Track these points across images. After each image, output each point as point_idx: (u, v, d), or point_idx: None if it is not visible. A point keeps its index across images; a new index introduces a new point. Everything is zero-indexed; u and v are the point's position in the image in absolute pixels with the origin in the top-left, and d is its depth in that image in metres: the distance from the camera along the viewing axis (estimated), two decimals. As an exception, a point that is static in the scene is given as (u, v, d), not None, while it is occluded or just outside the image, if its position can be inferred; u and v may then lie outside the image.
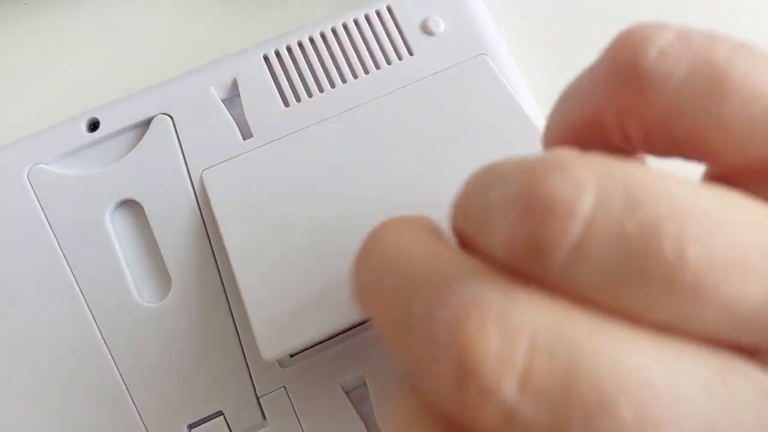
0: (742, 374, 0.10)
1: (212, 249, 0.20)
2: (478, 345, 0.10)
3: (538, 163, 0.11)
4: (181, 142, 0.20)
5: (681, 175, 0.11)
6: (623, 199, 0.10)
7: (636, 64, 0.12)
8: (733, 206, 0.10)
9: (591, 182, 0.10)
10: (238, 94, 0.21)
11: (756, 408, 0.10)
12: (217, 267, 0.19)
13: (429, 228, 0.13)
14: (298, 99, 0.21)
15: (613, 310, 0.10)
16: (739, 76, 0.11)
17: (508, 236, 0.10)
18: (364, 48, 0.21)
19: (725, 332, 0.10)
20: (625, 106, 0.12)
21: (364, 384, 0.19)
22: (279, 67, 0.21)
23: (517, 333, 0.10)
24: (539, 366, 0.10)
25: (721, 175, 0.12)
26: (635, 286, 0.10)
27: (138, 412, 0.19)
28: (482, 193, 0.12)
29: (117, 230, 0.20)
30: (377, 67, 0.21)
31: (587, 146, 0.13)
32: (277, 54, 0.21)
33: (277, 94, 0.21)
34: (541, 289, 0.10)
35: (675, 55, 0.12)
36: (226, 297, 0.19)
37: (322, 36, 0.21)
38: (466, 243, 0.13)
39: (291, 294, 0.19)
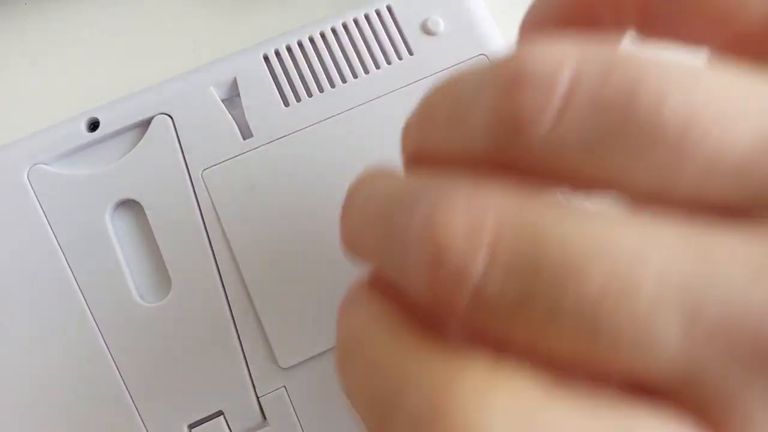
0: (716, 233, 0.10)
1: (212, 248, 0.20)
2: (446, 228, 0.10)
3: (516, 51, 0.10)
4: (181, 142, 0.20)
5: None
6: (601, 65, 0.10)
7: None
8: (709, 64, 0.10)
9: (570, 54, 0.10)
10: (238, 94, 0.21)
11: (741, 263, 0.09)
12: (217, 266, 0.19)
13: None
14: (298, 99, 0.21)
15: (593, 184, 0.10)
16: None
17: (487, 119, 0.10)
18: (364, 48, 0.21)
19: (711, 191, 0.10)
20: None
21: (364, 384, 0.19)
22: (279, 67, 0.21)
23: (483, 213, 0.10)
24: (506, 240, 0.10)
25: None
26: (617, 147, 0.10)
27: (138, 412, 0.19)
28: (451, 98, 0.11)
29: (117, 230, 0.20)
30: (377, 66, 0.21)
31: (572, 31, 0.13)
32: (277, 54, 0.21)
33: (277, 93, 0.21)
34: (508, 176, 0.10)
35: None
36: (226, 297, 0.19)
37: (322, 36, 0.21)
38: (424, 162, 0.13)
39: (303, 298, 0.19)
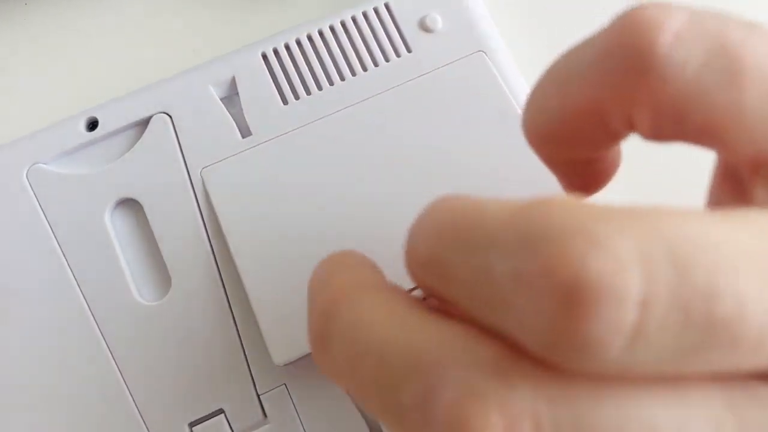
0: (755, 400, 0.10)
1: (211, 246, 0.20)
2: None
3: (555, 232, 0.09)
4: (180, 141, 0.20)
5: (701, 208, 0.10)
6: (671, 267, 0.09)
7: (648, 51, 0.11)
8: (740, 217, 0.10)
9: (633, 256, 0.09)
10: (237, 93, 0.21)
11: None
12: (217, 264, 0.19)
13: (387, 287, 0.12)
14: (296, 97, 0.21)
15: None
16: (756, 61, 0.11)
17: (543, 331, 0.09)
18: (363, 46, 0.21)
19: (759, 366, 0.10)
20: (634, 94, 0.11)
21: (365, 381, 0.19)
22: (277, 66, 0.21)
23: (521, 419, 0.09)
24: None
25: (731, 166, 0.12)
26: (699, 354, 0.09)
27: (138, 410, 0.19)
28: (466, 254, 0.10)
29: (116, 229, 0.20)
30: (375, 64, 0.21)
31: (580, 132, 0.13)
32: (276, 52, 0.21)
33: (276, 92, 0.21)
34: (534, 363, 0.10)
35: (689, 41, 0.11)
36: (226, 294, 0.19)
37: (321, 34, 0.21)
38: (431, 291, 0.11)
39: (299, 296, 0.19)
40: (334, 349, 0.12)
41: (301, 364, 0.19)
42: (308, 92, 0.21)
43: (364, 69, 0.21)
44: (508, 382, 0.10)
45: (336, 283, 0.12)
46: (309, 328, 0.12)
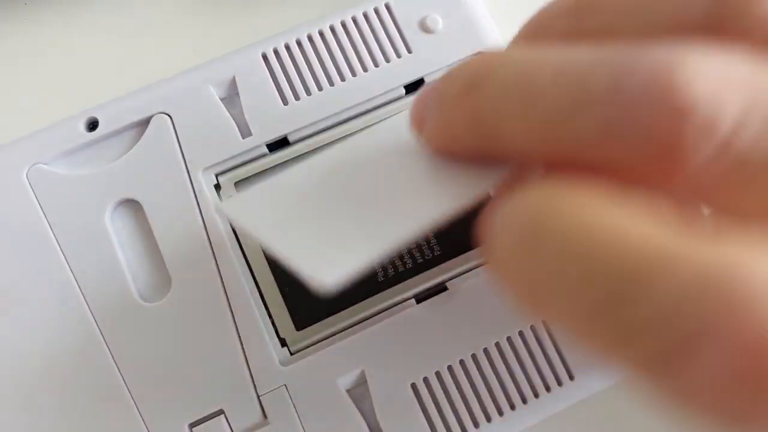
0: None
1: (212, 247, 0.20)
2: (695, 80, 0.09)
3: None
4: (180, 141, 0.20)
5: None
6: None
7: None
8: None
9: None
10: (237, 93, 0.21)
11: None
12: (217, 265, 0.19)
13: None
14: (297, 97, 0.21)
15: None
16: None
17: None
18: (363, 46, 0.21)
19: None
20: None
21: (365, 382, 0.19)
22: (278, 66, 0.21)
23: (730, 69, 0.10)
24: (759, 95, 0.09)
25: None
26: None
27: (138, 411, 0.19)
28: None
29: (116, 229, 0.20)
30: (376, 65, 0.21)
31: None
32: (276, 52, 0.21)
33: (276, 92, 0.21)
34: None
35: None
36: (226, 295, 0.19)
37: (321, 34, 0.21)
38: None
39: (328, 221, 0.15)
40: (490, 95, 0.12)
41: (301, 364, 0.19)
42: (308, 93, 0.21)
43: (365, 69, 0.21)
44: (710, 51, 0.10)
45: (484, 55, 0.13)
46: (452, 84, 0.13)
